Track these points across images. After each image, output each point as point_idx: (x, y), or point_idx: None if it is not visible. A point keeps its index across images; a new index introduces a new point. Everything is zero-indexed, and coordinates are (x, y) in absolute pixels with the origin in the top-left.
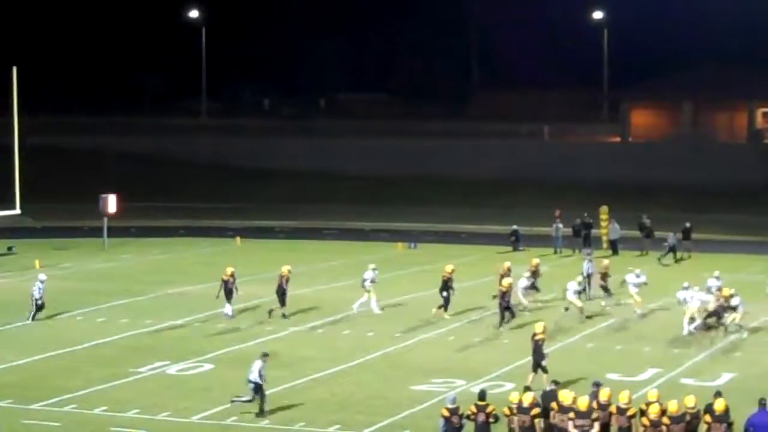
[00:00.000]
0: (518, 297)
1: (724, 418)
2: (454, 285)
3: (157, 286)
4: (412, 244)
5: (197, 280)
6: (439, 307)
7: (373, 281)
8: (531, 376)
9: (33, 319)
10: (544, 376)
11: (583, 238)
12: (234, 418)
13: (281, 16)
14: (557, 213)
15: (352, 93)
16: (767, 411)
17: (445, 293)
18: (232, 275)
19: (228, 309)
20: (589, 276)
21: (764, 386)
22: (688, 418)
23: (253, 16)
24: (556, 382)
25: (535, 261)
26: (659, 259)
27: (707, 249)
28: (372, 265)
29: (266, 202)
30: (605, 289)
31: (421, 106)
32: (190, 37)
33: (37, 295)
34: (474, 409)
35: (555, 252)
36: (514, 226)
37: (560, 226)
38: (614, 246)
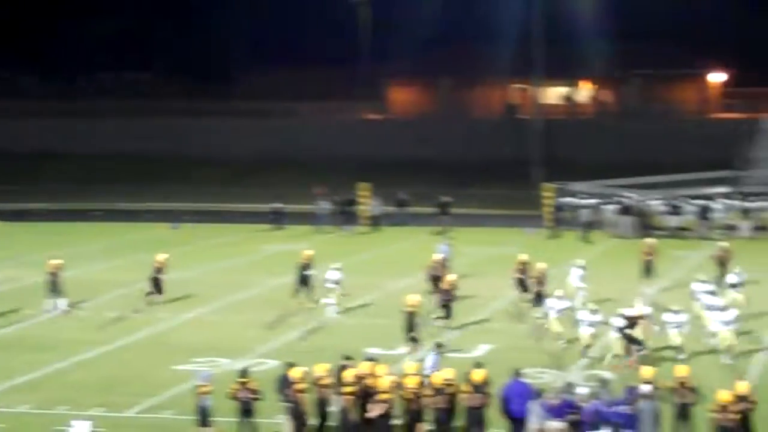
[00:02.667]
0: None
1: (482, 388)
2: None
3: None
4: (175, 225)
5: None
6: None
7: (337, 282)
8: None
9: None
10: (410, 346)
11: (345, 215)
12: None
13: None
14: (318, 191)
15: (114, 72)
16: (520, 381)
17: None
18: (57, 267)
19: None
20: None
21: (519, 357)
22: (448, 390)
23: None
24: (348, 357)
25: (522, 257)
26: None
27: (465, 223)
28: (336, 264)
29: (27, 185)
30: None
31: (184, 85)
32: None
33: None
34: (236, 386)
35: (318, 230)
36: (275, 204)
37: (323, 203)
38: (376, 222)
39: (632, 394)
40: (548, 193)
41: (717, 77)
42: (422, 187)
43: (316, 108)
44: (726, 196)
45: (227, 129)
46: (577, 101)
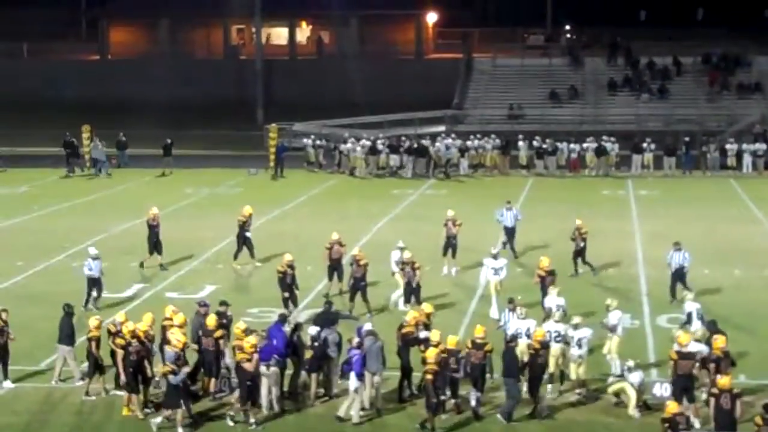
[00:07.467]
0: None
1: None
2: None
3: None
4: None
5: None
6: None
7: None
8: None
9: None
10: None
11: (66, 157)
12: None
13: None
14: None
15: None
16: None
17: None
18: None
19: None
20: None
21: (243, 298)
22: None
23: None
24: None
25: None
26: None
27: (187, 164)
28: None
29: None
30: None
31: None
32: None
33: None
34: None
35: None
36: None
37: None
38: (95, 164)
39: (360, 334)
40: (272, 134)
41: (431, 18)
42: (144, 129)
43: (36, 49)
44: (445, 134)
45: None
46: (297, 42)
